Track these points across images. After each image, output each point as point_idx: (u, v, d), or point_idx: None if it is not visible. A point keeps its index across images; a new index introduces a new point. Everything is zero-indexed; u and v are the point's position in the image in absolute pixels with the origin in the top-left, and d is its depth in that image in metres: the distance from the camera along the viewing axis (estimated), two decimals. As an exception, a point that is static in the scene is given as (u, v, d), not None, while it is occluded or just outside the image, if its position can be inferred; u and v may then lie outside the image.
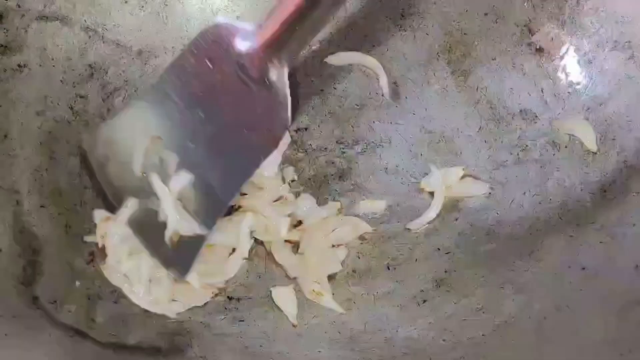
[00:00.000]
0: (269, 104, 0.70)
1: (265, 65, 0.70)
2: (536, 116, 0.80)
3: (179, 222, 0.71)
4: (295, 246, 0.76)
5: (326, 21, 0.72)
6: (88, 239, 0.74)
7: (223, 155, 0.71)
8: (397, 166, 0.81)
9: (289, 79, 0.70)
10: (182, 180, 0.72)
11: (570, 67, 0.81)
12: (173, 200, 0.72)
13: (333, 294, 0.73)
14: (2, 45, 0.77)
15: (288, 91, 0.70)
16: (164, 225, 0.72)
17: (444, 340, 0.69)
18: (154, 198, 0.72)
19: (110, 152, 0.75)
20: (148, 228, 0.72)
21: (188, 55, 0.73)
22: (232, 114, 0.71)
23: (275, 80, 0.70)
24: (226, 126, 0.71)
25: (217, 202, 0.71)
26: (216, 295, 0.73)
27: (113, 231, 0.73)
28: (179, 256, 0.71)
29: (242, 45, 0.70)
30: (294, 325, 0.71)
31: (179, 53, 0.81)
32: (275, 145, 0.72)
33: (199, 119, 0.72)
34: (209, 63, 0.71)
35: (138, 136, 0.73)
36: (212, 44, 0.71)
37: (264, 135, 0.71)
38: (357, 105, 0.83)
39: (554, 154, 0.78)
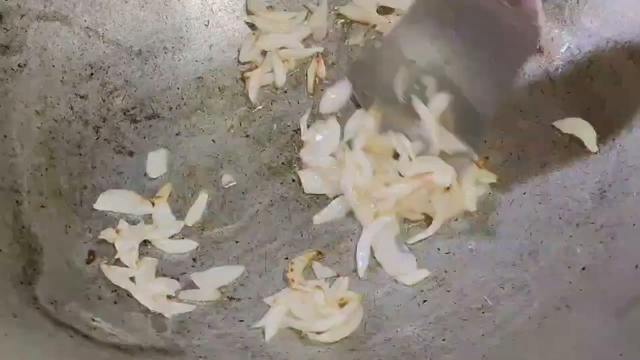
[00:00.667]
0: (520, 19, 0.70)
1: None
2: (536, 116, 0.80)
3: (442, 141, 0.73)
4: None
5: None
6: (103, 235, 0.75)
7: (479, 73, 0.72)
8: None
9: None
10: (442, 101, 0.73)
11: (570, 67, 0.81)
12: (434, 121, 0.73)
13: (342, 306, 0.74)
14: (2, 45, 0.77)
15: (540, 4, 0.70)
16: None
17: (443, 340, 0.69)
18: (417, 122, 0.74)
19: (372, 81, 0.77)
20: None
21: None
22: (486, 32, 0.71)
23: None
24: (480, 44, 0.72)
25: (477, 121, 0.73)
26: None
27: (126, 241, 0.74)
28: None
29: None
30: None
31: (178, 53, 0.81)
32: (527, 57, 0.73)
33: (453, 40, 0.72)
34: None
35: (396, 63, 0.75)
36: None
37: (517, 50, 0.71)
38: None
39: (554, 154, 0.78)
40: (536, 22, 0.70)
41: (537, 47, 0.73)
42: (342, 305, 0.71)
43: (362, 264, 0.75)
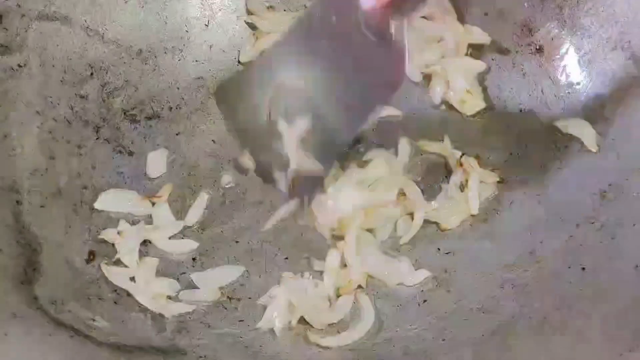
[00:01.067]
0: (388, 56, 0.73)
1: (386, 21, 0.72)
2: (536, 116, 0.80)
3: (300, 162, 0.75)
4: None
5: None
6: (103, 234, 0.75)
7: (343, 103, 0.75)
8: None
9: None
10: (304, 123, 0.75)
11: (570, 67, 0.81)
12: (296, 142, 0.75)
13: (338, 296, 0.74)
14: (2, 45, 0.77)
15: (407, 45, 0.73)
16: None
17: (443, 340, 0.69)
18: (278, 140, 0.76)
19: (239, 99, 0.78)
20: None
21: (315, 10, 0.76)
22: (353, 65, 0.74)
23: (395, 34, 0.73)
24: (347, 76, 0.74)
25: (334, 145, 0.76)
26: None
27: (126, 241, 0.75)
28: (296, 194, 0.76)
29: (365, 2, 0.72)
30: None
31: (178, 53, 0.81)
32: (392, 93, 0.76)
33: (322, 68, 0.75)
34: (333, 18, 0.74)
35: (265, 84, 0.76)
36: (338, 1, 0.74)
37: (382, 85, 0.74)
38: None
39: (554, 154, 0.78)
40: (402, 65, 0.73)
41: (401, 82, 0.75)
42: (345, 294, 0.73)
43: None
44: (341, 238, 0.76)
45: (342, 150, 0.78)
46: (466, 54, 0.84)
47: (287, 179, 0.76)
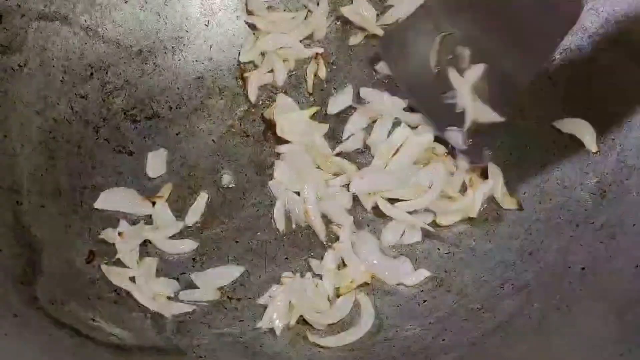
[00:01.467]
0: None
1: None
2: (536, 116, 0.80)
3: (476, 111, 0.74)
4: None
5: None
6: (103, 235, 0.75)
7: (517, 42, 0.73)
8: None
9: None
10: (476, 72, 0.74)
11: (571, 67, 0.81)
12: (469, 91, 0.74)
13: (338, 296, 0.74)
14: (2, 45, 0.77)
15: None
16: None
17: (443, 340, 0.69)
18: (450, 91, 0.75)
19: (405, 51, 0.78)
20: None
21: None
22: (522, 3, 0.72)
23: None
24: (517, 12, 0.72)
25: (511, 89, 0.74)
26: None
27: (126, 241, 0.75)
28: (475, 145, 0.75)
29: None
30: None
31: (178, 53, 0.81)
32: (569, 25, 0.72)
33: (488, 10, 0.73)
34: None
35: (430, 34, 0.76)
36: None
37: (557, 17, 0.71)
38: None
39: (554, 154, 0.78)
40: None
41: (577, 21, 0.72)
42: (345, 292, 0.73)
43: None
44: (336, 239, 0.76)
45: (519, 92, 0.75)
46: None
47: (464, 133, 0.75)
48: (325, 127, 0.82)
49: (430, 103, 0.77)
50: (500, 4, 0.73)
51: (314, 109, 0.82)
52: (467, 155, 0.76)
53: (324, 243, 0.77)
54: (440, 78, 0.76)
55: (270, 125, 0.83)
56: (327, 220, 0.78)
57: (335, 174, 0.79)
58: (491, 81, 0.74)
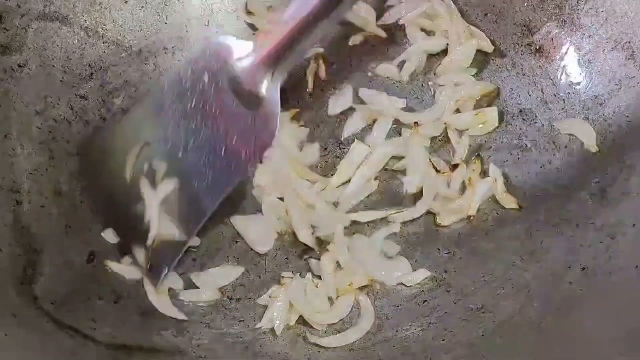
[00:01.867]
0: (259, 117, 0.72)
1: (259, 81, 0.72)
2: (536, 116, 0.80)
3: (161, 226, 0.73)
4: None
5: (317, 40, 0.74)
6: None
7: (210, 165, 0.73)
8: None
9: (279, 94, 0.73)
10: (168, 187, 0.74)
11: (570, 67, 0.81)
12: (158, 205, 0.74)
13: (338, 296, 0.74)
14: (2, 45, 0.77)
15: (279, 106, 0.72)
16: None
17: (443, 340, 0.69)
18: (141, 203, 0.74)
19: (103, 158, 0.77)
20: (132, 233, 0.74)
21: (186, 68, 0.75)
22: (223, 126, 0.73)
23: (267, 95, 0.73)
24: (216, 137, 0.73)
25: (199, 211, 0.73)
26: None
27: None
28: (155, 263, 0.73)
29: (238, 62, 0.73)
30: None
31: (178, 53, 0.81)
32: (261, 156, 0.75)
33: (190, 130, 0.74)
34: (205, 77, 0.73)
35: (130, 143, 0.75)
36: (210, 59, 0.74)
37: (251, 147, 0.73)
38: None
39: (554, 154, 0.78)
40: (273, 127, 0.72)
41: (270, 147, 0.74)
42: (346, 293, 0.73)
43: None
44: (327, 243, 0.76)
45: (205, 216, 0.73)
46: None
47: (147, 249, 0.73)
48: (305, 132, 0.81)
49: (119, 212, 0.76)
50: (198, 126, 0.73)
51: (294, 111, 0.82)
52: (146, 276, 0.73)
53: (316, 250, 0.76)
54: (134, 188, 0.74)
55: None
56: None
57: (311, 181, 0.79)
58: (181, 199, 0.73)
